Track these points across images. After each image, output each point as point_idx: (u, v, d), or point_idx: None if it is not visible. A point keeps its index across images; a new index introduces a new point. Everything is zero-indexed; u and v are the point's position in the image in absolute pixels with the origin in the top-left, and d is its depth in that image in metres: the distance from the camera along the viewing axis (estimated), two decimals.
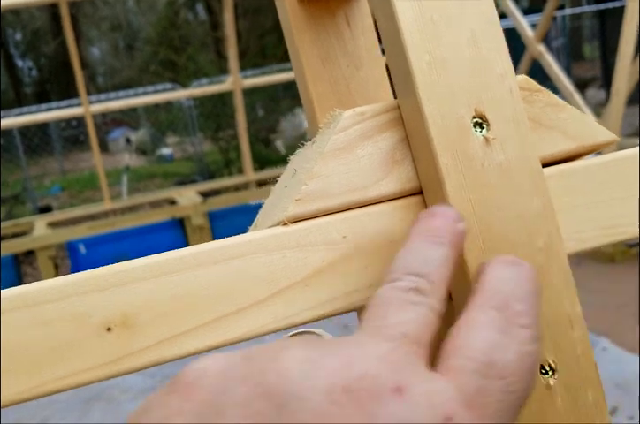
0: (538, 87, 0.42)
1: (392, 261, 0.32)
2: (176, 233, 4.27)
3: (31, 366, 0.32)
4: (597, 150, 0.43)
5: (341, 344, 0.26)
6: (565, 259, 0.38)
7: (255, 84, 5.42)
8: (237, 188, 5.29)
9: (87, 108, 4.49)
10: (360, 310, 0.51)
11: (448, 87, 0.37)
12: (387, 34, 0.39)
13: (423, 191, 0.39)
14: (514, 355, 0.27)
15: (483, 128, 0.37)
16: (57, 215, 4.83)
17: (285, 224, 0.37)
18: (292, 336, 0.31)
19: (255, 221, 0.44)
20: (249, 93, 6.15)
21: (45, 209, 6.22)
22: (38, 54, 12.78)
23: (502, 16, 4.96)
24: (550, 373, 0.37)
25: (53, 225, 4.50)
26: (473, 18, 0.38)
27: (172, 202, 4.73)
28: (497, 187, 0.37)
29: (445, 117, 0.37)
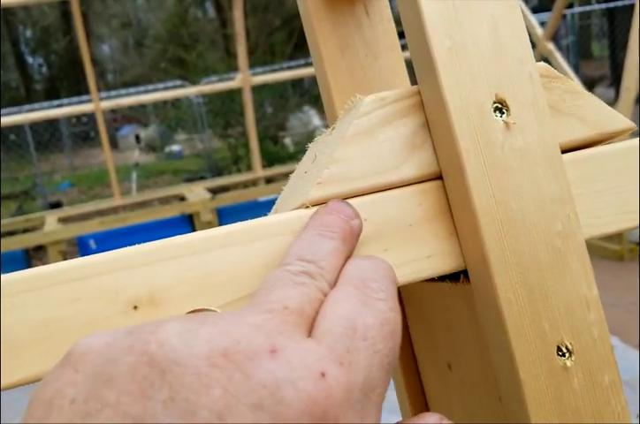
0: (557, 74, 0.42)
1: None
2: (185, 229, 4.28)
3: (62, 342, 0.33)
4: (614, 138, 0.43)
5: (222, 316, 0.28)
6: (583, 243, 0.38)
7: (264, 81, 5.43)
8: (245, 185, 5.30)
9: (97, 104, 4.51)
10: (404, 293, 0.51)
11: (469, 73, 0.37)
12: (409, 20, 0.39)
13: (443, 176, 0.39)
14: (375, 320, 0.29)
15: (503, 113, 0.38)
16: (67, 211, 4.86)
17: (307, 207, 0.38)
18: (188, 313, 0.34)
19: (275, 206, 0.45)
20: (258, 90, 6.15)
21: (55, 205, 6.24)
22: (48, 51, 12.81)
23: None
24: (567, 355, 0.37)
25: (63, 221, 4.52)
26: (494, 3, 0.38)
27: (182, 198, 4.75)
28: (516, 172, 0.37)
29: (465, 102, 0.37)
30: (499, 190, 0.37)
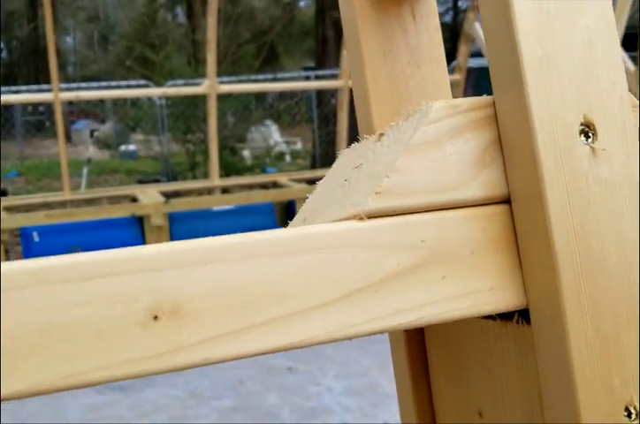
0: (636, 102, 0.38)
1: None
2: (134, 231, 4.16)
3: (64, 353, 0.27)
4: None
5: None
6: None
7: (231, 90, 5.36)
8: (200, 192, 5.19)
9: (57, 94, 4.37)
10: (429, 327, 0.46)
11: (559, 87, 0.33)
12: (495, 24, 0.35)
13: (512, 200, 0.35)
14: None
15: (589, 137, 0.34)
16: (13, 200, 4.68)
17: (361, 219, 0.33)
18: None
19: (302, 215, 0.40)
20: (222, 99, 6.08)
21: (1, 193, 6.02)
22: (10, 37, 12.51)
23: None
24: (633, 416, 0.33)
25: (8, 210, 4.34)
26: (589, 14, 0.34)
27: (133, 199, 4.62)
28: (599, 206, 0.33)
29: (553, 120, 0.33)
30: (580, 225, 0.33)
